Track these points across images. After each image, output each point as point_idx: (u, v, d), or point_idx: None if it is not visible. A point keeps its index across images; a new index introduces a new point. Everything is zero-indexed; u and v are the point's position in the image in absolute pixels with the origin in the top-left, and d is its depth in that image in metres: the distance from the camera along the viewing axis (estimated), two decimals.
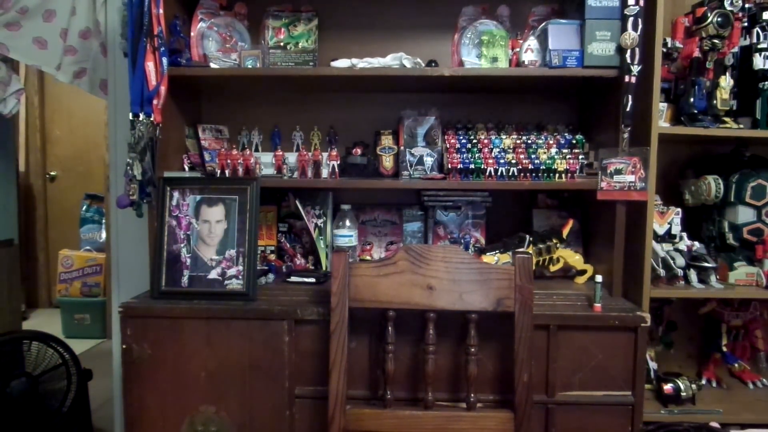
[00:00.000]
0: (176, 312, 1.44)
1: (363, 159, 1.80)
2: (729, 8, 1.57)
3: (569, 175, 1.67)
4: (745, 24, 1.65)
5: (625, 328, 1.41)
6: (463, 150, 1.70)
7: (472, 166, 1.66)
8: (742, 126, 1.64)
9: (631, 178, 1.53)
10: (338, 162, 1.72)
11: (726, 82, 1.62)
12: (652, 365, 1.77)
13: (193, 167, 1.77)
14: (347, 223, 1.75)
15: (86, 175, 4.48)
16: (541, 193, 1.94)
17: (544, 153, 1.69)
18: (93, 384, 2.22)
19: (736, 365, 1.86)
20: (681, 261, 1.64)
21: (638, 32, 1.51)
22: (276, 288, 1.64)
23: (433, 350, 1.31)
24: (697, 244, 1.70)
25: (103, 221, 4.06)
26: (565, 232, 1.71)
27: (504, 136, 1.73)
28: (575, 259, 1.73)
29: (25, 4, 1.78)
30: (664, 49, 1.62)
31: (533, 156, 1.68)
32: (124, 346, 1.44)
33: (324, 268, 1.81)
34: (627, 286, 1.59)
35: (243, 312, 1.43)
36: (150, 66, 1.49)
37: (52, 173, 4.56)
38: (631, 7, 1.51)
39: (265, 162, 1.78)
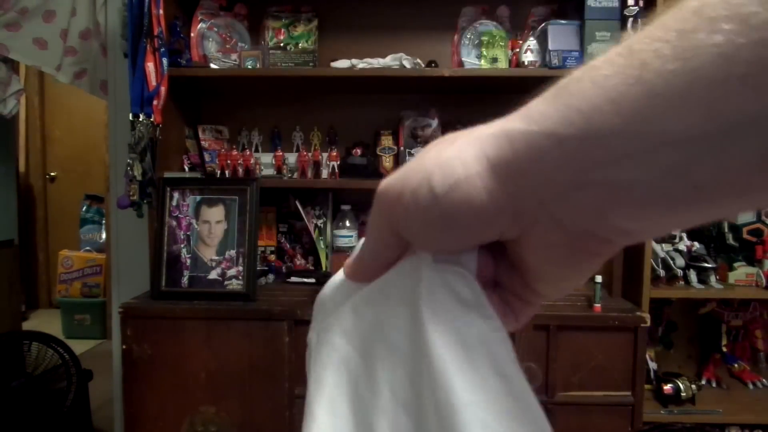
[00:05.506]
0: (176, 312, 1.44)
1: (363, 159, 1.80)
2: None
3: None
4: None
5: (625, 329, 1.42)
6: None
7: None
8: None
9: None
10: (338, 162, 1.72)
11: None
12: (652, 365, 1.77)
13: (193, 168, 1.77)
14: (347, 223, 1.75)
15: (86, 176, 4.47)
16: None
17: None
18: (93, 384, 2.22)
19: (736, 365, 1.86)
20: (681, 261, 1.64)
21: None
22: (276, 288, 1.64)
23: None
24: (696, 244, 1.70)
25: (103, 222, 4.06)
26: None
27: None
28: None
29: (25, 4, 1.78)
30: None
31: None
32: (124, 347, 1.44)
33: (324, 269, 1.81)
34: (627, 287, 1.60)
35: (243, 312, 1.43)
36: (150, 66, 1.49)
37: (52, 174, 4.55)
38: (631, 7, 1.51)
39: (265, 162, 1.78)
